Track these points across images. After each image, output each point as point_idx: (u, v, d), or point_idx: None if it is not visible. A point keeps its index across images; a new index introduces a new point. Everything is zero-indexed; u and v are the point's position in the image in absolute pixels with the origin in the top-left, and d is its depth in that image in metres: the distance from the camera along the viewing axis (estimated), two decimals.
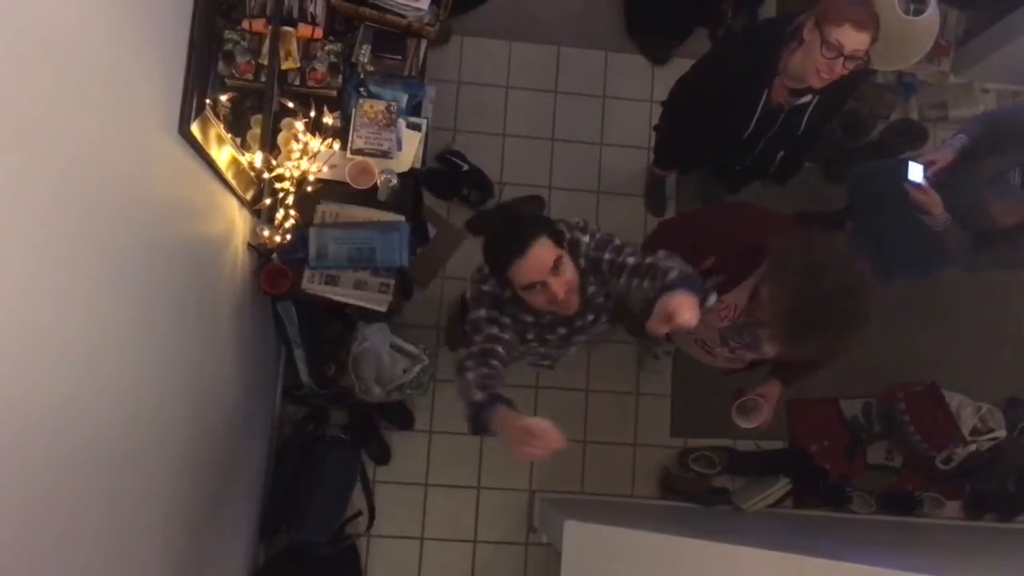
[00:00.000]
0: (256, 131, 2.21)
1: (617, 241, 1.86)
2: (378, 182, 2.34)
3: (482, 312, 1.85)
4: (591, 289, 1.92)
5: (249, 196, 2.17)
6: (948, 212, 2.30)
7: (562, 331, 2.01)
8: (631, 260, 1.78)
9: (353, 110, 2.35)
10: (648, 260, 1.75)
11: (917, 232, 2.39)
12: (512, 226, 1.79)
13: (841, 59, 1.99)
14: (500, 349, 1.79)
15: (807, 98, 2.22)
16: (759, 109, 2.24)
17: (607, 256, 1.82)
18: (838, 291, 1.60)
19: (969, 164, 2.32)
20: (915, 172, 2.28)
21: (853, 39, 1.96)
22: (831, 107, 2.32)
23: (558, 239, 1.76)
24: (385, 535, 2.93)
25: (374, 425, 2.95)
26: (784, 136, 2.35)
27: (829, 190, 3.23)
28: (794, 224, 1.90)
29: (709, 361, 2.16)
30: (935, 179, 2.31)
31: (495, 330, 1.82)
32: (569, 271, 1.76)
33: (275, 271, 2.30)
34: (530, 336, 1.99)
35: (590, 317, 2.02)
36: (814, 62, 2.03)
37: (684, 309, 1.53)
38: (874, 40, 2.00)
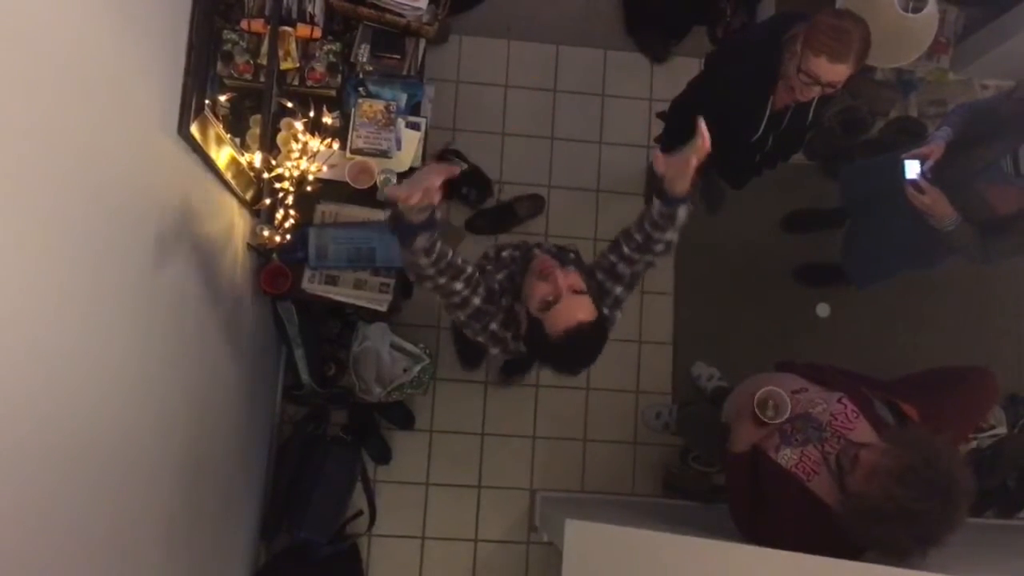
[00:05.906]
0: (255, 131, 2.21)
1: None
2: (378, 182, 2.34)
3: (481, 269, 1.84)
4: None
5: (248, 196, 2.17)
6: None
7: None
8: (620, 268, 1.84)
9: (352, 110, 2.35)
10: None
11: (914, 225, 2.38)
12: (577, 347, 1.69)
13: (817, 86, 2.02)
14: (473, 274, 1.75)
15: None
16: (766, 115, 2.25)
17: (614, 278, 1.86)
18: (919, 506, 1.57)
19: (958, 156, 2.30)
20: (912, 170, 2.26)
21: (828, 71, 1.99)
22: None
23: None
24: (386, 534, 2.93)
25: (374, 425, 2.95)
26: (794, 131, 2.37)
27: (829, 188, 3.22)
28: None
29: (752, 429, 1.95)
30: (931, 175, 2.29)
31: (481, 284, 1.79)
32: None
33: (275, 271, 2.30)
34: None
35: None
36: (792, 80, 2.06)
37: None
38: (853, 72, 2.01)
